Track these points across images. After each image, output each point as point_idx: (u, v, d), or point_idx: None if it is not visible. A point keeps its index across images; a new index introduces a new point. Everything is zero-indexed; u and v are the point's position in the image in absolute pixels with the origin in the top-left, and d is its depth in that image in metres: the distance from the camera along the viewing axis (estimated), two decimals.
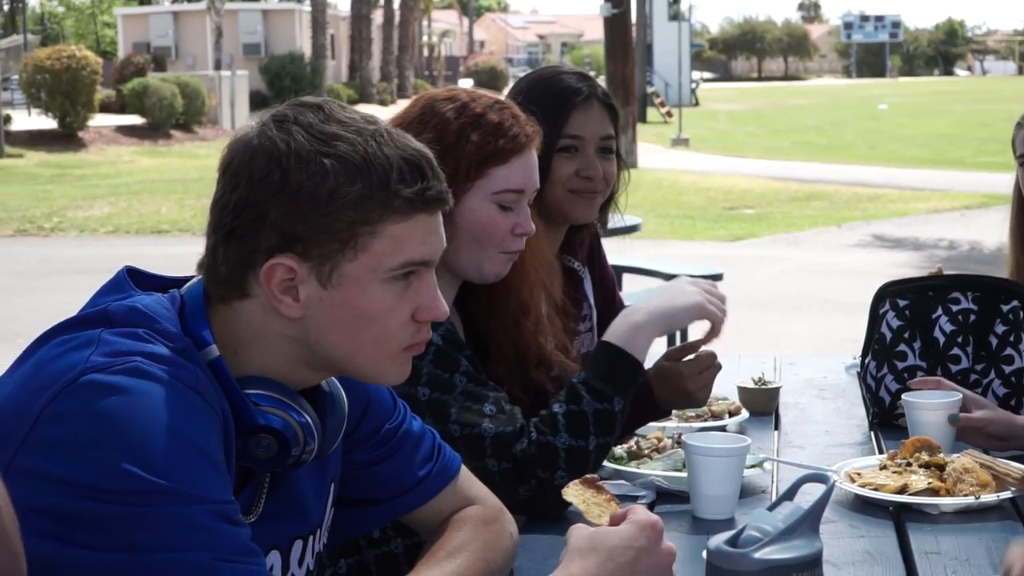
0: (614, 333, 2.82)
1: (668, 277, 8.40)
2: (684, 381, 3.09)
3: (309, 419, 1.95)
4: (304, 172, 1.88)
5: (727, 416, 3.22)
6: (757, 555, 1.36)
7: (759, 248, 16.39)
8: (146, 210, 21.39)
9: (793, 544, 1.38)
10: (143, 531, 1.66)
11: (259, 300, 1.93)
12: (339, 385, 2.10)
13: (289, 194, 1.89)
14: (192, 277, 2.00)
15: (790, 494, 1.48)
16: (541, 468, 2.56)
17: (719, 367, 3.17)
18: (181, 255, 1.75)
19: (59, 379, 1.71)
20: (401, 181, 1.91)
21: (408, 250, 1.94)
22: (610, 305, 3.74)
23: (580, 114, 3.32)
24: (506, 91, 3.46)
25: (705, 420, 3.28)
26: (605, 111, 3.39)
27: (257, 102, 41.56)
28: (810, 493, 1.57)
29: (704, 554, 1.95)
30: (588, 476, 2.11)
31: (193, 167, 28.36)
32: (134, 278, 1.99)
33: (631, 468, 2.82)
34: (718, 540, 1.41)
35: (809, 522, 1.42)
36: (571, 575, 1.79)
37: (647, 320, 2.83)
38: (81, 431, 1.68)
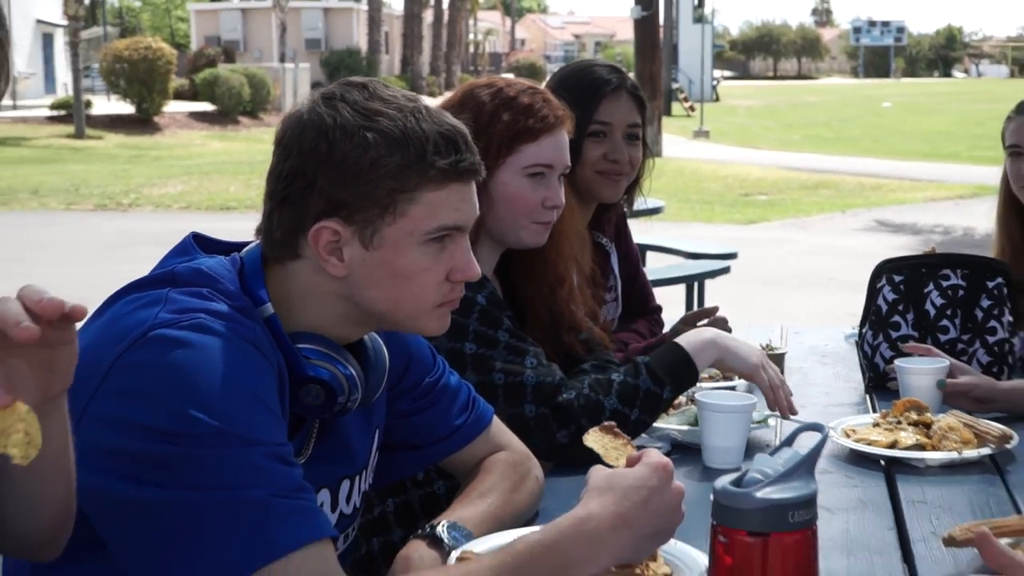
0: (687, 340, 2.80)
1: (688, 255, 8.32)
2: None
3: (353, 371, 1.95)
4: (348, 144, 1.88)
5: (736, 378, 3.23)
6: (758, 494, 1.36)
7: (771, 231, 16.27)
8: (215, 189, 21.30)
9: (791, 485, 1.37)
10: (207, 471, 1.66)
11: (309, 261, 1.94)
12: (381, 341, 2.10)
13: (335, 164, 1.89)
14: (251, 242, 2.02)
15: (789, 442, 1.46)
16: (586, 419, 2.52)
17: (729, 331, 3.19)
18: (247, 230, 1.73)
19: (130, 333, 1.73)
20: (436, 153, 1.90)
21: (442, 216, 1.94)
22: (634, 278, 3.75)
23: (609, 102, 3.32)
24: (544, 83, 3.46)
25: (717, 381, 3.27)
26: (633, 101, 3.39)
27: None
28: (807, 444, 1.58)
29: (711, 495, 2.03)
30: (607, 424, 2.12)
31: (259, 151, 28.05)
32: (199, 243, 2.00)
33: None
34: (723, 481, 1.40)
35: (806, 467, 1.41)
36: (590, 511, 1.79)
37: (715, 345, 2.80)
38: (150, 380, 1.69)
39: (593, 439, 2.05)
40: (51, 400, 1.44)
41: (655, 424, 2.77)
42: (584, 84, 3.33)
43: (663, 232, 10.53)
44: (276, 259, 1.97)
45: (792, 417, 2.76)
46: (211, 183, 22.15)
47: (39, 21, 47.59)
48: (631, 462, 1.88)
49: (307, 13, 62.02)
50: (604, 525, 1.78)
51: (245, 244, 2.03)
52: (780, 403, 2.76)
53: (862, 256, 13.47)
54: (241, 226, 1.99)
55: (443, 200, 1.94)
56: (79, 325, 1.40)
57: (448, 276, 1.98)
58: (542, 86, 2.90)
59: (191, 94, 39.24)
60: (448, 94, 2.92)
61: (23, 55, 45.01)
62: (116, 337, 1.72)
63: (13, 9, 40.95)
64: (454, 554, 1.92)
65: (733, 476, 1.42)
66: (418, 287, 1.97)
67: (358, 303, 1.98)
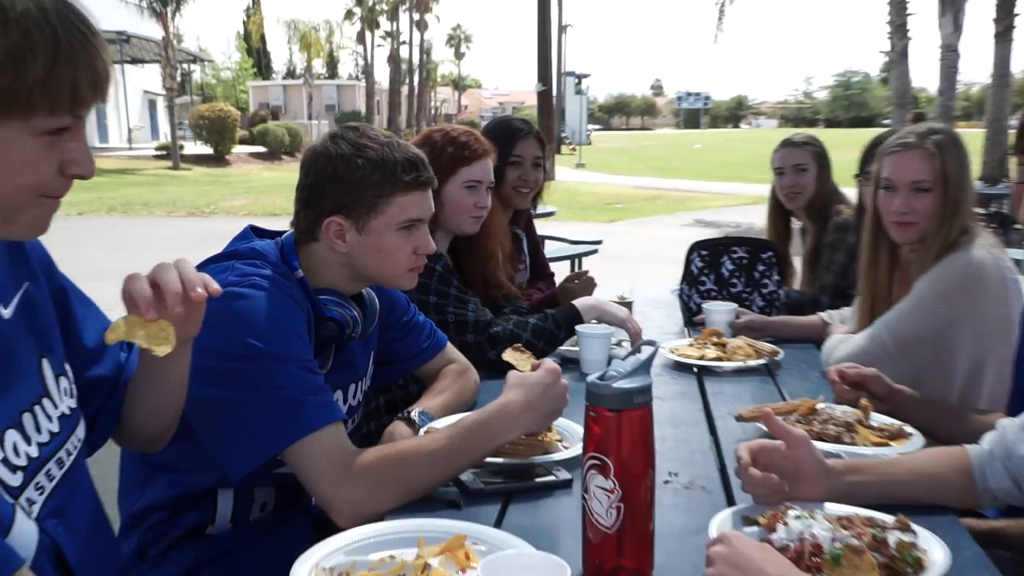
0: (580, 303, 2.79)
1: (571, 242, 8.30)
2: (576, 292, 3.20)
3: (356, 313, 1.96)
4: (345, 167, 1.89)
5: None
6: (615, 384, 1.33)
7: (624, 227, 16.28)
8: (267, 202, 21.04)
9: (635, 379, 1.34)
10: (260, 377, 1.66)
11: (323, 243, 1.93)
12: (374, 294, 2.09)
13: (337, 180, 1.89)
14: (288, 231, 2.01)
15: (634, 352, 1.43)
16: (508, 343, 2.55)
17: (596, 285, 3.34)
18: (287, 227, 1.77)
19: None
20: (404, 171, 1.91)
21: (409, 212, 1.94)
22: (537, 255, 3.73)
23: (522, 142, 3.28)
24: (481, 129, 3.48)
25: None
26: (537, 141, 3.35)
27: None
28: (646, 354, 1.57)
29: (585, 388, 2.02)
30: (516, 346, 2.13)
31: (295, 178, 27.85)
32: (255, 231, 2.01)
33: None
34: (593, 377, 1.38)
35: (644, 367, 1.38)
36: (508, 399, 1.78)
37: (596, 308, 2.78)
38: (224, 320, 1.66)
39: (508, 355, 2.04)
40: (185, 342, 1.45)
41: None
42: (507, 130, 3.30)
43: (555, 227, 10.55)
44: (303, 241, 1.96)
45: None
46: (264, 198, 21.94)
47: (146, 91, 46.63)
48: (534, 368, 1.86)
49: (326, 88, 62.36)
50: (518, 408, 1.77)
51: (283, 232, 2.01)
52: (635, 337, 2.76)
53: (684, 241, 13.55)
54: (283, 225, 1.97)
55: (409, 202, 1.94)
56: None
57: (415, 251, 1.98)
58: (475, 130, 2.88)
59: (250, 140, 38.60)
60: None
61: (136, 113, 44.23)
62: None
63: (128, 82, 40.26)
64: (422, 430, 1.92)
65: (599, 373, 1.39)
66: (395, 258, 1.96)
67: (356, 269, 1.96)
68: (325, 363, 1.97)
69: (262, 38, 68.35)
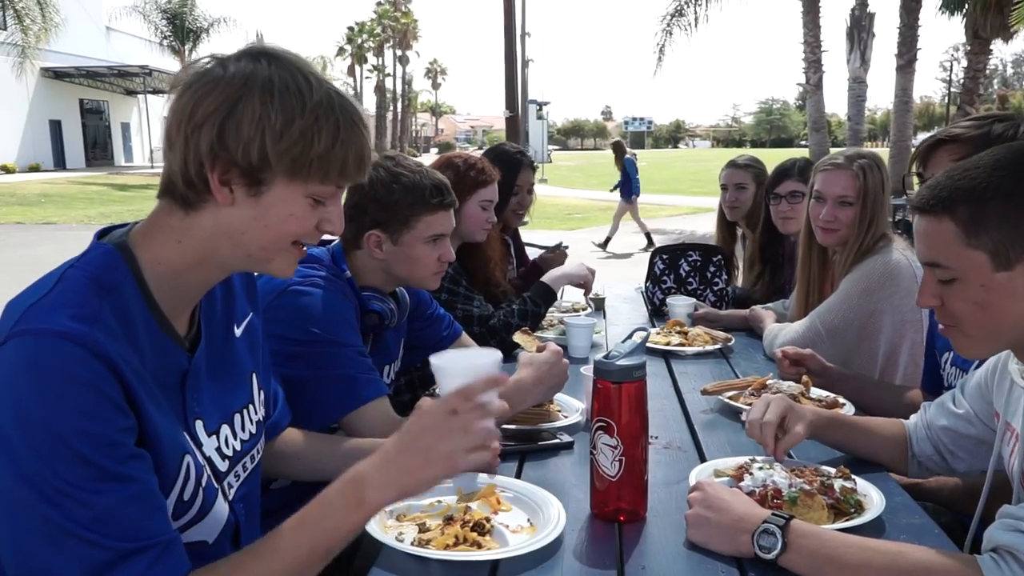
0: (548, 278, 2.86)
1: (543, 248, 8.43)
2: (551, 262, 3.43)
3: (393, 307, 2.02)
4: (383, 191, 1.95)
5: (583, 312, 3.31)
6: (617, 362, 1.40)
7: (584, 234, 16.25)
8: None
9: (632, 357, 1.43)
10: (322, 359, 1.73)
11: (365, 251, 1.99)
12: (405, 292, 2.15)
13: (377, 201, 1.96)
14: (336, 240, 2.04)
15: (630, 336, 1.52)
16: (504, 331, 2.60)
17: (566, 256, 3.60)
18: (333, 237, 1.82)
19: (277, 288, 1.77)
20: (431, 195, 1.99)
21: (435, 228, 2.01)
22: (522, 257, 3.85)
23: (523, 173, 3.39)
24: (476, 151, 3.58)
25: (574, 314, 3.33)
26: (531, 170, 3.47)
27: None
28: (639, 337, 1.57)
29: (582, 370, 2.06)
30: (525, 328, 2.21)
31: None
32: None
33: (543, 334, 2.84)
34: (599, 356, 1.46)
35: (640, 348, 1.47)
36: (521, 376, 1.85)
37: (561, 277, 2.90)
38: (289, 313, 1.74)
39: (518, 337, 2.11)
40: None
41: (546, 335, 2.82)
42: (510, 161, 3.34)
43: (525, 234, 10.62)
44: (349, 249, 2.02)
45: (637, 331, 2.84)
46: None
47: (164, 117, 45.69)
48: (540, 350, 1.95)
49: None
50: (529, 382, 1.85)
51: (332, 241, 2.05)
52: (589, 286, 2.99)
53: (635, 246, 13.69)
54: (331, 237, 2.02)
55: (435, 220, 2.02)
56: None
57: (438, 259, 2.05)
58: (484, 159, 2.95)
59: None
60: (434, 159, 2.96)
61: (157, 136, 43.04)
62: (271, 290, 1.75)
63: (151, 109, 39.62)
64: None
65: (605, 352, 1.47)
66: (422, 265, 2.03)
67: (391, 272, 2.03)
68: (367, 348, 2.02)
69: None
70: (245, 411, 1.39)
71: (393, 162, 2.01)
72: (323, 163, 1.16)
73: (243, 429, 1.38)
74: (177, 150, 1.15)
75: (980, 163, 1.31)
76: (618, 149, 14.71)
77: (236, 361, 1.38)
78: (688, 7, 16.91)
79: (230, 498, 1.33)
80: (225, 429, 1.33)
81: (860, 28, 15.56)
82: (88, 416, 1.01)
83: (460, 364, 1.25)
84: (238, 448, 1.36)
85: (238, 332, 1.40)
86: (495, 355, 1.28)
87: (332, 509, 1.12)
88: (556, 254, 3.49)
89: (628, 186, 14.33)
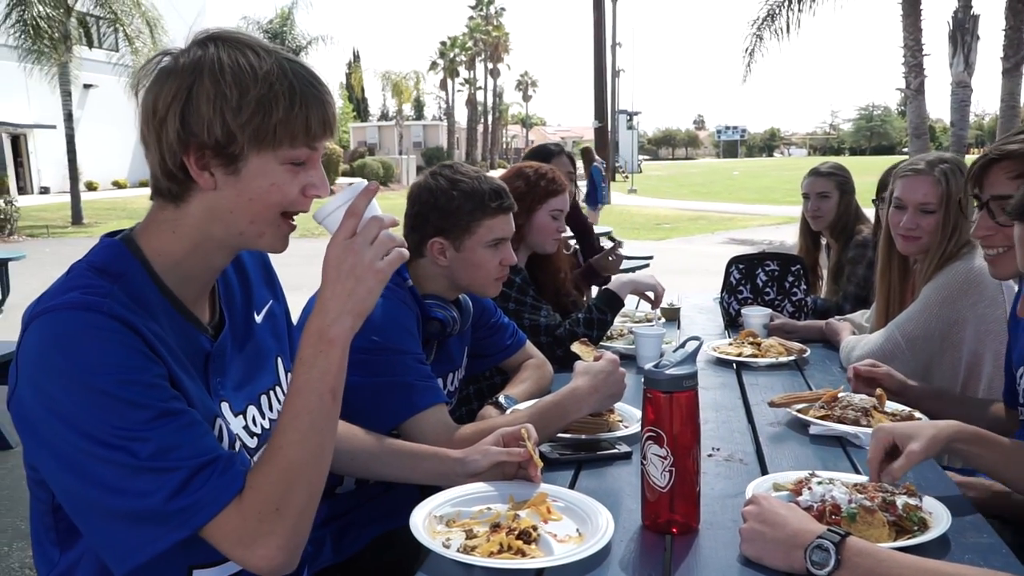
0: (615, 284, 2.87)
1: (627, 258, 8.39)
2: (607, 267, 3.49)
3: (455, 315, 2.02)
4: (444, 198, 1.98)
5: (655, 321, 3.27)
6: (667, 371, 1.38)
7: (672, 244, 16.12)
8: None
9: (683, 366, 1.41)
10: (383, 366, 1.75)
11: (428, 258, 2.01)
12: (468, 299, 2.15)
13: (438, 209, 1.98)
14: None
15: (683, 345, 1.48)
16: (570, 341, 2.60)
17: (623, 258, 3.64)
18: None
19: None
20: (491, 199, 2.00)
21: (495, 232, 2.02)
22: (586, 243, 4.00)
23: (554, 161, 3.61)
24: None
25: (646, 323, 3.30)
26: (568, 159, 3.79)
27: (419, 173, 41.56)
28: (692, 347, 1.61)
29: (642, 376, 2.07)
30: (584, 339, 2.19)
31: (387, 205, 28.00)
32: None
33: (607, 343, 2.85)
34: (649, 365, 1.44)
35: (691, 358, 1.43)
36: (577, 384, 1.86)
37: (628, 283, 2.90)
38: None
39: (575, 347, 2.10)
40: None
41: (615, 345, 2.80)
42: (545, 151, 3.78)
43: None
44: (411, 258, 2.01)
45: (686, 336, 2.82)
46: None
47: None
48: (597, 359, 1.94)
49: (414, 128, 62.47)
50: (584, 391, 1.85)
51: None
52: (659, 297, 3.04)
53: (723, 257, 13.41)
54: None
55: (496, 224, 2.02)
56: None
57: (500, 263, 2.05)
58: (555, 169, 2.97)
59: (351, 173, 39.14)
60: (502, 171, 3.02)
61: None
62: None
63: None
64: (508, 411, 1.99)
65: (655, 361, 1.46)
66: (485, 271, 2.04)
67: (453, 279, 2.05)
68: (429, 355, 2.05)
69: (361, 88, 69.30)
70: (272, 392, 1.43)
71: (451, 170, 2.03)
72: (287, 127, 1.19)
73: (271, 409, 1.41)
74: (152, 148, 1.21)
75: None
76: (587, 156, 14.98)
77: (259, 345, 1.42)
78: (780, 11, 16.52)
79: None
80: (252, 410, 1.37)
81: (963, 31, 14.92)
82: (122, 368, 1.10)
83: (331, 203, 1.27)
84: (266, 427, 1.39)
85: (258, 319, 1.44)
86: (356, 180, 1.30)
87: (312, 360, 1.21)
88: (614, 258, 3.49)
89: (594, 195, 14.53)
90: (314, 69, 1.24)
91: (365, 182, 1.32)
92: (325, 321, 1.21)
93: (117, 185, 32.94)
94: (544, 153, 3.66)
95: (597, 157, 15.09)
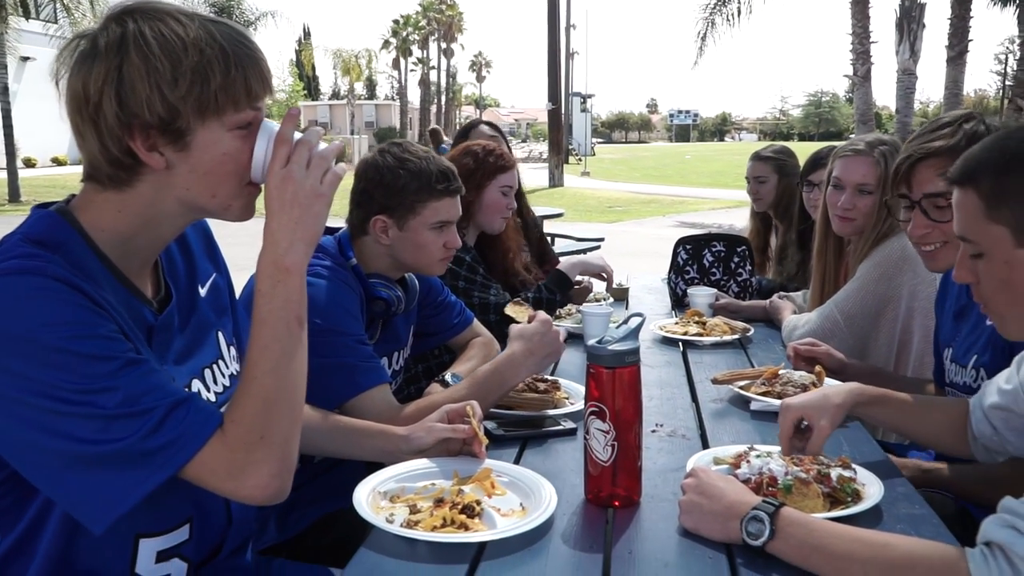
0: (564, 264, 2.90)
1: (577, 239, 8.42)
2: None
3: (400, 293, 2.02)
4: (390, 176, 1.97)
5: (603, 301, 3.30)
6: (610, 347, 1.39)
7: (624, 226, 16.21)
8: None
9: (626, 342, 1.42)
10: (325, 347, 1.72)
11: (371, 236, 2.00)
12: (415, 278, 2.15)
13: (384, 186, 1.97)
14: (343, 227, 2.07)
15: (626, 321, 1.50)
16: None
17: (591, 291, 3.39)
18: (341, 225, 1.80)
19: None
20: (438, 181, 1.99)
21: (441, 215, 2.01)
22: (542, 246, 3.87)
23: (473, 133, 3.61)
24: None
25: (594, 303, 3.32)
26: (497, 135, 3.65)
27: None
28: (634, 323, 1.62)
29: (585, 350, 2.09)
30: (517, 299, 2.20)
31: (343, 184, 27.82)
32: None
33: (556, 322, 2.86)
34: (592, 341, 1.46)
35: (634, 333, 1.45)
36: (513, 352, 1.89)
37: (577, 264, 2.93)
38: None
39: (509, 308, 2.12)
40: None
41: (563, 324, 2.79)
42: (470, 125, 3.77)
43: (564, 227, 10.59)
44: (355, 236, 2.03)
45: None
46: None
47: None
48: (531, 320, 1.96)
49: (366, 107, 61.70)
50: (520, 355, 1.87)
51: (339, 228, 2.07)
52: (610, 277, 3.06)
53: (673, 239, 13.52)
54: (339, 224, 2.04)
55: (441, 207, 2.02)
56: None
57: (444, 245, 2.05)
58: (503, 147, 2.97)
59: None
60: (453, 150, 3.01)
61: None
62: None
63: None
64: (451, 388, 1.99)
65: (598, 338, 1.47)
66: (428, 251, 2.04)
67: (397, 258, 2.04)
68: (374, 334, 2.05)
69: (312, 66, 68.25)
70: (215, 366, 1.41)
71: (400, 148, 2.02)
72: (227, 92, 1.17)
73: (215, 382, 1.40)
74: (89, 136, 1.17)
75: (1011, 135, 1.30)
76: (435, 136, 15.17)
77: (202, 319, 1.41)
78: None
79: None
80: (196, 383, 1.35)
81: (910, 19, 15.23)
82: (73, 324, 1.08)
83: (257, 148, 1.22)
84: (213, 400, 1.38)
85: (202, 292, 1.42)
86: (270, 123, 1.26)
87: (271, 291, 1.20)
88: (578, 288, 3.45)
89: None
90: (238, 26, 1.22)
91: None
92: (278, 251, 1.20)
93: (56, 162, 32.03)
94: (469, 128, 3.69)
95: (445, 137, 15.15)
